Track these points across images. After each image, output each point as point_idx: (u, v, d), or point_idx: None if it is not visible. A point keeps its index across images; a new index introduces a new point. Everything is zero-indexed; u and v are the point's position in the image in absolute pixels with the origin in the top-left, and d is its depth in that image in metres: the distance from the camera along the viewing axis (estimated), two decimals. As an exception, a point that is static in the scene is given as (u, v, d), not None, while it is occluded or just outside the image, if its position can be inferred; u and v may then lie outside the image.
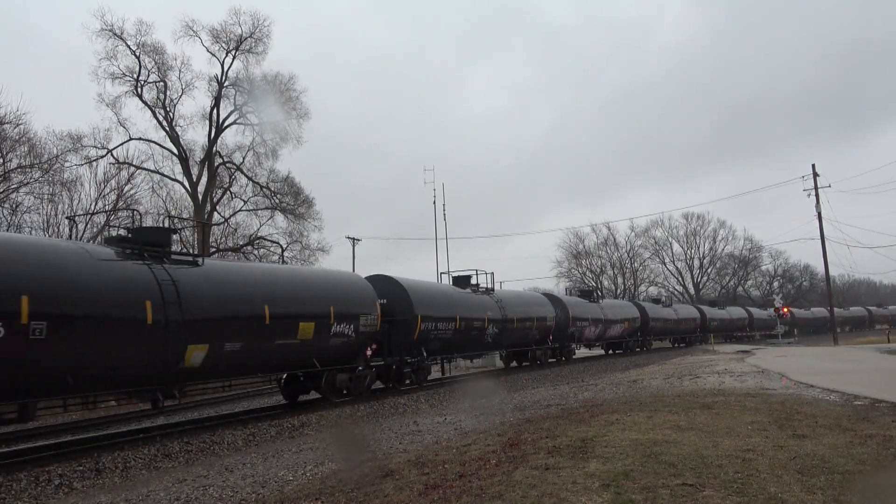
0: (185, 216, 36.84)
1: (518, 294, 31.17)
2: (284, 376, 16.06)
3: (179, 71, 35.41)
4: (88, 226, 29.87)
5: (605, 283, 79.28)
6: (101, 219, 30.64)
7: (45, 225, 28.81)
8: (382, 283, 18.69)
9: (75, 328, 10.03)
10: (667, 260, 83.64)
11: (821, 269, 51.86)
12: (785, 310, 54.31)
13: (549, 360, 29.78)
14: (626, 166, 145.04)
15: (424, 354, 19.29)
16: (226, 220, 38.06)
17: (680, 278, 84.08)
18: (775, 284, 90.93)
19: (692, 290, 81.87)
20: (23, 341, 9.18)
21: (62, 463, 9.80)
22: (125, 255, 11.54)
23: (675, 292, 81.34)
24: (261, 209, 38.82)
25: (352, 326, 15.91)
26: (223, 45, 35.80)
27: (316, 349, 14.94)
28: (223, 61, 36.04)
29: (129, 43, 33.38)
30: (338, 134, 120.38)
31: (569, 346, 31.61)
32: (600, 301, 36.70)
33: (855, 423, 9.03)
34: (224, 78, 36.11)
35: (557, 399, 15.29)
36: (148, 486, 8.39)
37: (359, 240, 49.48)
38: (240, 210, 38.45)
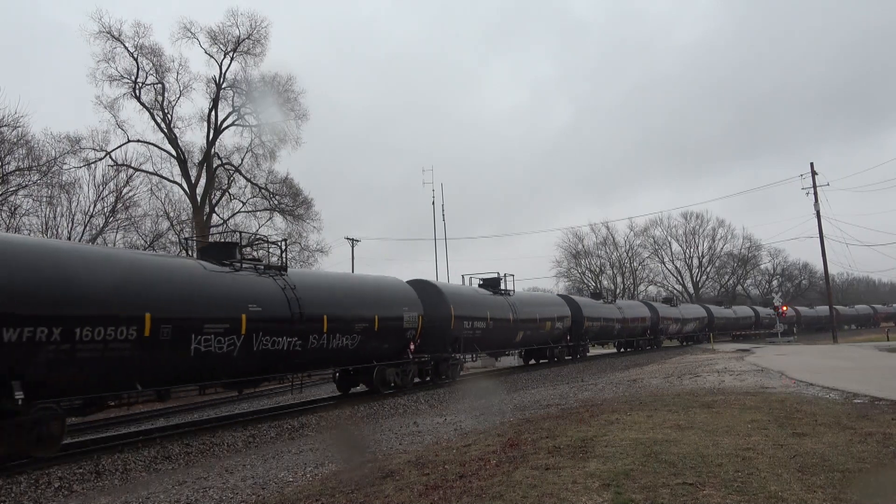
0: (183, 218, 36.85)
1: (629, 302, 44.46)
2: (524, 350, 28.62)
3: (177, 73, 35.44)
4: (87, 228, 29.86)
5: (605, 282, 79.35)
6: (99, 221, 30.66)
7: (45, 228, 28.78)
8: (566, 300, 32.55)
9: (496, 325, 23.46)
10: (666, 259, 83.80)
11: (820, 267, 52.06)
12: (784, 308, 54.53)
13: (647, 348, 42.65)
14: (639, 164, 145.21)
15: (587, 340, 33.75)
16: (224, 221, 38.05)
17: (679, 277, 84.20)
18: (774, 283, 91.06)
19: (691, 290, 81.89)
20: (486, 330, 22.67)
21: (62, 465, 9.79)
22: (495, 293, 24.91)
23: (675, 291, 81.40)
24: (259, 210, 38.84)
25: (562, 324, 29.95)
26: (221, 46, 35.82)
27: (550, 335, 29.18)
28: (221, 63, 36.07)
29: (126, 45, 33.40)
30: (350, 133, 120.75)
31: (659, 338, 44.27)
32: (679, 305, 49.88)
33: (855, 421, 9.04)
34: (222, 79, 36.12)
35: (557, 399, 15.29)
36: (148, 489, 8.38)
37: (357, 240, 49.56)
38: (238, 211, 38.45)
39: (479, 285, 25.46)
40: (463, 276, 25.55)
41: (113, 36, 32.91)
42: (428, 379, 20.08)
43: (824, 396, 12.48)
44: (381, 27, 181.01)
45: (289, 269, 15.34)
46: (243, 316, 12.73)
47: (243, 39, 35.83)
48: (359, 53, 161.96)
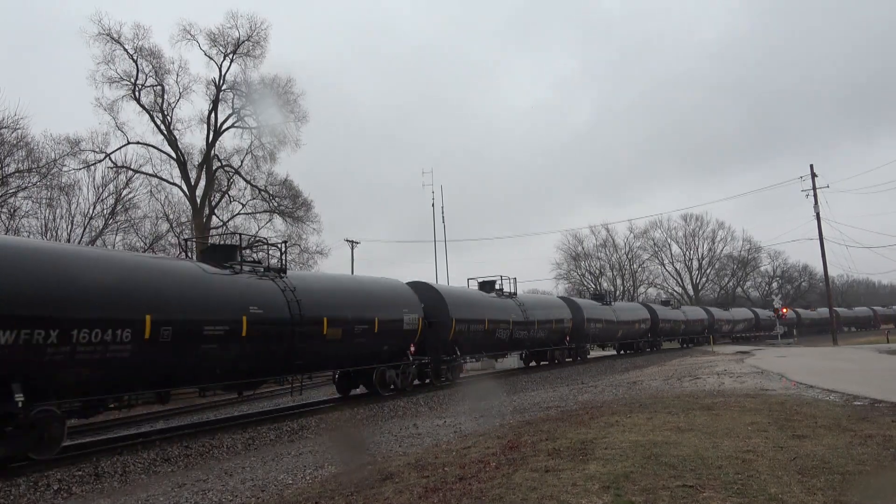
0: (183, 220, 36.84)
1: (691, 308, 55.38)
2: (619, 343, 39.50)
3: (177, 75, 35.46)
4: (87, 230, 29.85)
5: (605, 284, 79.30)
6: (98, 222, 30.66)
7: (44, 229, 28.77)
8: (646, 306, 43.94)
9: (606, 326, 35.53)
10: (665, 261, 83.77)
11: (819, 269, 52.22)
12: (784, 310, 55.08)
13: (703, 344, 49.39)
14: (649, 165, 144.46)
15: (661, 338, 44.11)
16: (224, 223, 38.05)
17: (679, 279, 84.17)
18: (774, 285, 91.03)
19: (691, 292, 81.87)
20: (602, 329, 35.00)
21: (61, 468, 9.78)
22: (603, 304, 36.76)
23: (675, 293, 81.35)
24: (259, 212, 38.83)
25: (644, 325, 40.96)
26: (221, 48, 35.85)
27: (637, 333, 40.17)
28: (221, 65, 36.08)
29: (126, 47, 33.41)
30: (362, 132, 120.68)
31: (715, 336, 52.39)
32: (730, 309, 61.81)
33: (855, 424, 9.03)
34: (222, 81, 36.14)
35: (557, 401, 15.27)
36: (147, 491, 8.37)
37: (357, 242, 49.61)
38: (238, 213, 38.45)
39: (591, 298, 38.28)
40: (580, 290, 34.91)
41: (112, 38, 32.96)
42: (569, 359, 32.02)
43: (824, 398, 12.46)
44: (398, 25, 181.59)
45: (518, 294, 27.68)
46: (510, 319, 25.27)
47: (243, 41, 35.89)
48: (370, 51, 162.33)
